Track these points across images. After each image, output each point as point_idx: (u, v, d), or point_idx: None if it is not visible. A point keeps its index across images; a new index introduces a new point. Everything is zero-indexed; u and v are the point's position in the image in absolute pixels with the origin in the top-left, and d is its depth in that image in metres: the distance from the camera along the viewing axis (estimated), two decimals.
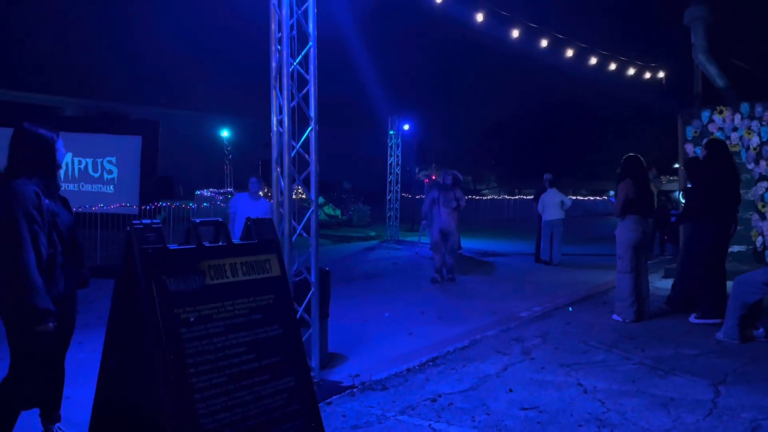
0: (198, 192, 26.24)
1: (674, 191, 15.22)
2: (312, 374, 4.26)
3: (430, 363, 4.99)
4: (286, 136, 4.42)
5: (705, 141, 7.12)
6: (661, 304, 7.22)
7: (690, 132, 9.66)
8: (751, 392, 4.23)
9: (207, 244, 2.78)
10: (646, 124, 34.11)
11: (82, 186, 17.41)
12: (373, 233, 19.45)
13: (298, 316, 4.34)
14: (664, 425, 3.67)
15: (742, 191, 8.70)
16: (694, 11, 10.17)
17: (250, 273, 2.84)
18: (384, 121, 18.87)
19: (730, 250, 8.84)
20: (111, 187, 17.50)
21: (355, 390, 4.31)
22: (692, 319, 6.46)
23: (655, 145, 29.47)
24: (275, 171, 4.52)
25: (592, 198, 46.37)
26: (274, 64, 4.47)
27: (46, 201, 3.07)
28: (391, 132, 18.33)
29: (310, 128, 4.58)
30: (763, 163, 9.04)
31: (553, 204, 11.97)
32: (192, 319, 2.54)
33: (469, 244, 15.78)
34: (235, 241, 2.90)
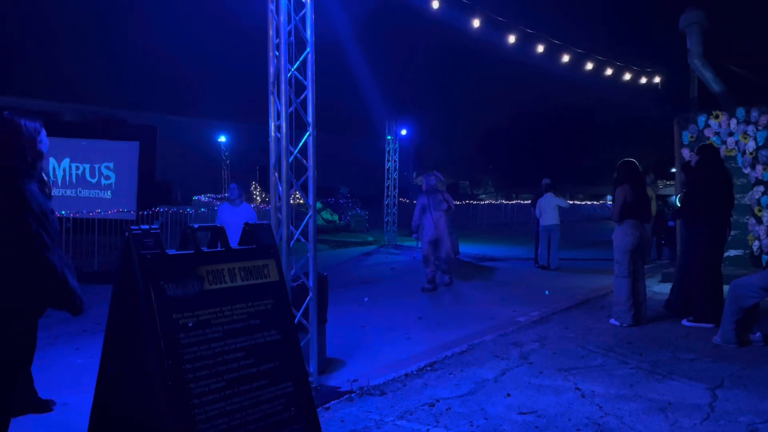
0: (196, 197, 26.23)
1: (671, 196, 15.26)
2: (310, 379, 4.26)
3: (428, 368, 4.99)
4: (284, 142, 4.43)
5: (697, 147, 7.16)
6: (659, 308, 7.23)
7: (686, 137, 9.70)
8: (749, 396, 4.24)
9: (205, 249, 2.79)
10: (642, 128, 34.22)
11: (80, 191, 17.39)
12: (371, 238, 19.46)
13: (296, 321, 4.34)
14: (662, 429, 3.68)
15: (738, 195, 8.76)
16: (690, 16, 10.23)
17: (248, 278, 2.84)
18: (381, 127, 18.90)
19: (726, 254, 8.89)
20: (108, 192, 17.48)
21: (353, 395, 4.31)
22: (685, 322, 6.49)
23: (651, 150, 29.57)
24: (273, 176, 4.54)
25: (589, 203, 46.46)
26: (272, 70, 4.49)
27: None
28: (389, 137, 18.35)
29: (308, 134, 4.59)
30: (759, 167, 9.08)
31: (550, 209, 12.00)
32: (190, 325, 2.55)
33: (467, 248, 15.79)
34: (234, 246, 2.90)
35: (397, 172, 18.37)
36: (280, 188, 4.50)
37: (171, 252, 2.65)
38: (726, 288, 5.91)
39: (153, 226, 2.65)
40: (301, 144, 4.59)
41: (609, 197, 46.68)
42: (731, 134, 9.35)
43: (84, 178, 17.46)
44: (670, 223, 12.39)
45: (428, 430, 3.70)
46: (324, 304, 5.00)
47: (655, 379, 4.65)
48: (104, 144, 17.54)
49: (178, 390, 2.42)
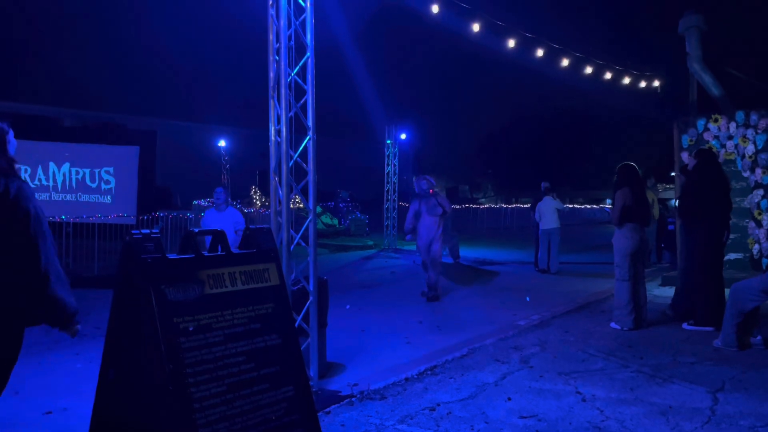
0: (195, 202, 26.23)
1: (671, 199, 15.26)
2: (311, 383, 4.26)
3: (429, 372, 4.98)
4: (284, 146, 4.44)
5: (694, 151, 7.18)
6: (659, 311, 7.22)
7: (686, 140, 9.71)
8: (749, 399, 4.24)
9: (206, 253, 2.79)
10: (642, 132, 34.26)
11: (80, 196, 17.39)
12: (370, 242, 19.46)
13: (296, 325, 4.34)
14: None
15: (737, 199, 8.78)
16: (689, 20, 10.26)
17: (248, 282, 2.84)
18: (381, 131, 18.92)
19: (727, 257, 8.89)
20: (108, 197, 17.49)
21: (353, 399, 4.31)
22: (686, 325, 6.48)
23: (651, 154, 29.59)
24: (273, 180, 4.54)
25: (589, 206, 46.47)
26: (272, 75, 4.50)
27: None
28: (389, 141, 18.37)
29: (308, 138, 4.60)
30: (758, 171, 9.09)
31: (549, 212, 12.01)
32: (191, 329, 2.54)
33: (467, 252, 15.79)
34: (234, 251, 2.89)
35: (396, 177, 18.38)
36: (280, 192, 4.50)
37: (171, 256, 2.65)
38: (726, 291, 5.90)
39: (153, 231, 2.65)
40: (301, 148, 4.60)
41: (609, 201, 46.71)
42: (730, 138, 9.36)
43: (84, 182, 17.48)
44: (670, 227, 12.40)
45: None
46: (324, 308, 4.99)
47: (656, 383, 4.64)
48: (104, 149, 17.57)
49: (178, 394, 2.41)
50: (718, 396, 4.32)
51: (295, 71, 4.54)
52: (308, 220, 4.60)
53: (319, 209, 21.70)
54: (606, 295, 8.72)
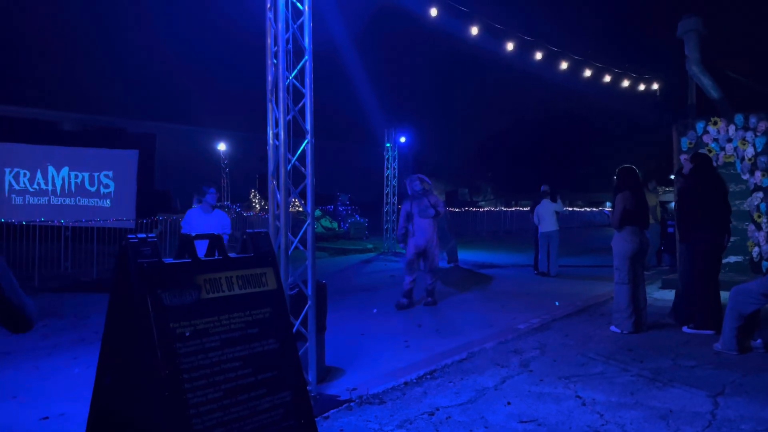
0: (195, 206, 26.19)
1: (670, 202, 15.26)
2: (309, 388, 4.24)
3: (428, 376, 4.96)
4: (282, 150, 4.43)
5: (689, 156, 7.17)
6: (659, 315, 7.21)
7: (685, 143, 9.71)
8: (750, 403, 4.22)
9: (203, 257, 2.77)
10: (641, 135, 34.29)
11: (79, 200, 17.37)
12: (370, 245, 19.44)
13: (294, 329, 4.32)
14: None
15: (737, 202, 8.77)
16: (688, 23, 10.26)
17: (246, 287, 2.82)
18: (380, 134, 18.94)
19: (726, 260, 8.88)
20: (107, 201, 17.48)
21: (352, 404, 4.29)
22: (686, 329, 6.47)
23: (650, 157, 29.60)
24: (271, 184, 4.53)
25: (588, 209, 46.48)
26: (270, 78, 4.49)
27: None
28: (388, 144, 18.38)
29: (306, 141, 4.59)
30: (758, 173, 9.08)
31: (548, 215, 12.00)
32: (187, 334, 2.53)
33: (467, 256, 15.78)
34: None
35: (396, 180, 18.38)
36: (278, 196, 4.49)
37: (168, 261, 2.64)
38: (726, 295, 5.89)
39: (150, 235, 2.63)
40: (299, 152, 4.58)
41: (608, 204, 46.72)
42: (730, 140, 9.36)
43: (83, 186, 17.46)
44: (670, 230, 12.39)
45: None
46: (323, 312, 4.97)
47: (656, 387, 4.62)
48: (103, 152, 17.56)
49: (174, 400, 2.39)
50: (718, 400, 4.30)
51: (293, 75, 4.53)
52: (307, 223, 4.58)
53: (318, 212, 21.74)
54: (605, 298, 8.70)
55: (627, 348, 5.85)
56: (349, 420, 4.00)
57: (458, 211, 30.25)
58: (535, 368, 5.18)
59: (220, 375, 2.57)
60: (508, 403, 4.28)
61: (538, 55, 12.87)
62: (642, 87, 14.57)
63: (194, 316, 2.58)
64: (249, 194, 35.65)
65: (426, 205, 8.41)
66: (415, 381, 4.83)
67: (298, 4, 4.55)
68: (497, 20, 11.85)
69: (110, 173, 17.48)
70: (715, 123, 9.47)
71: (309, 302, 4.53)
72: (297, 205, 4.83)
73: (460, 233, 25.00)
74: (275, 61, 4.46)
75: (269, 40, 4.48)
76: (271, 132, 4.51)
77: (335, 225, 23.10)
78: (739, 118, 9.27)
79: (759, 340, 5.64)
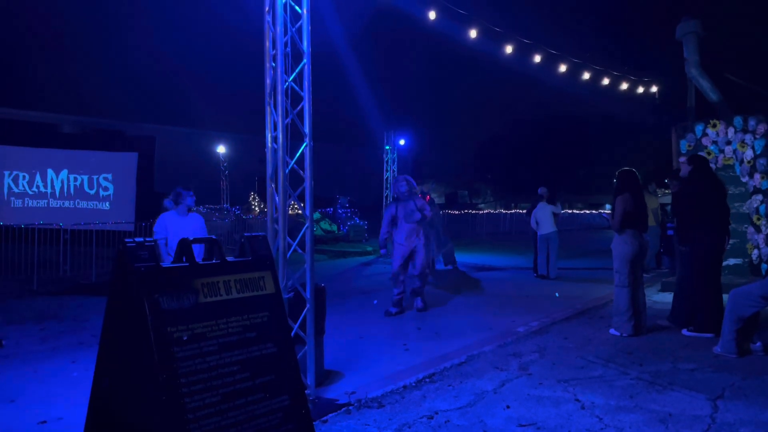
0: (195, 208, 26.20)
1: (669, 205, 15.27)
2: (307, 392, 4.23)
3: (427, 379, 4.95)
4: (280, 153, 4.42)
5: (687, 157, 7.17)
6: (659, 318, 7.20)
7: (684, 145, 9.72)
8: (749, 407, 4.21)
9: (200, 261, 2.76)
10: (640, 137, 34.30)
11: (78, 203, 17.38)
12: (369, 248, 19.42)
13: (293, 332, 4.31)
14: None
15: (736, 204, 8.78)
16: (686, 26, 10.27)
17: (243, 290, 2.82)
18: (380, 137, 18.96)
19: (726, 263, 8.87)
20: (107, 203, 17.48)
21: (351, 407, 4.28)
22: (685, 332, 6.46)
23: (649, 159, 29.62)
24: (270, 187, 4.52)
25: (588, 212, 46.49)
26: (268, 81, 4.49)
27: None
28: (387, 147, 18.39)
29: (304, 144, 4.58)
30: (757, 176, 9.08)
31: (545, 218, 12.00)
32: (185, 338, 2.52)
33: (466, 258, 15.77)
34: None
35: None
36: (276, 199, 4.48)
37: (166, 264, 2.63)
38: (725, 297, 5.88)
39: (147, 239, 2.63)
40: (297, 155, 4.58)
41: (608, 206, 46.72)
42: (729, 143, 9.36)
43: (82, 189, 17.47)
44: (670, 233, 12.39)
45: None
46: (321, 316, 4.97)
47: (655, 390, 4.61)
48: (103, 155, 17.57)
49: (172, 404, 2.39)
50: (717, 403, 4.29)
51: (291, 78, 4.53)
52: (305, 227, 4.57)
53: (317, 215, 21.73)
54: (605, 301, 8.69)
55: (626, 351, 5.84)
56: (347, 424, 3.99)
57: (458, 214, 30.25)
58: (535, 371, 5.17)
59: (217, 379, 2.57)
60: (507, 407, 4.27)
61: (537, 58, 12.89)
62: (641, 89, 14.58)
63: (192, 320, 2.57)
64: (248, 197, 35.66)
65: (412, 208, 8.01)
66: (414, 384, 4.82)
67: (297, 8, 4.55)
68: (496, 23, 11.86)
69: (109, 176, 17.49)
70: (714, 125, 9.47)
71: (308, 305, 4.52)
72: (296, 208, 4.82)
73: (459, 235, 25.02)
74: (273, 64, 4.46)
75: (268, 44, 4.48)
76: (269, 135, 4.51)
77: (334, 228, 23.10)
78: (738, 120, 9.27)
79: (758, 343, 5.63)
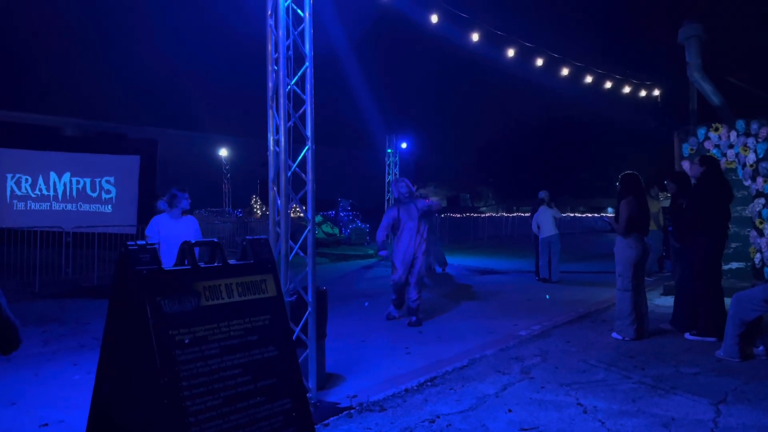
0: (196, 211, 26.25)
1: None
2: (309, 395, 4.22)
3: (429, 383, 4.94)
4: (282, 156, 4.42)
5: (697, 158, 7.14)
6: (661, 321, 7.18)
7: (686, 149, 9.70)
8: (752, 411, 4.19)
9: (202, 264, 2.76)
10: (642, 141, 34.30)
11: (80, 206, 17.39)
12: (371, 251, 19.42)
13: (294, 336, 4.31)
14: None
15: (738, 208, 8.76)
16: (688, 30, 10.27)
17: (245, 294, 2.82)
18: (382, 140, 18.95)
19: (728, 267, 8.86)
20: (109, 206, 17.50)
21: (352, 411, 4.27)
22: (688, 336, 6.44)
23: (651, 163, 29.60)
24: (272, 190, 4.52)
25: (590, 215, 46.46)
26: (270, 85, 4.49)
27: None
28: (389, 150, 18.39)
29: (306, 147, 4.59)
30: (759, 179, 9.06)
31: (547, 221, 12.02)
32: (186, 341, 2.52)
33: (467, 261, 15.76)
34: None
35: None
36: (278, 202, 4.48)
37: (167, 267, 2.63)
38: (728, 301, 5.87)
39: (149, 242, 2.63)
40: (299, 158, 4.58)
41: (610, 210, 46.67)
42: (731, 147, 9.34)
43: (85, 192, 17.49)
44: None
45: None
46: (323, 319, 4.96)
47: (657, 394, 4.60)
48: (105, 158, 17.59)
49: (173, 408, 2.38)
50: (720, 408, 4.27)
51: (293, 81, 4.53)
52: (307, 230, 4.57)
53: (319, 218, 21.75)
54: (607, 304, 8.68)
55: (629, 355, 5.82)
56: (349, 427, 3.98)
57: (459, 217, 30.22)
58: (537, 375, 5.15)
59: (219, 382, 2.56)
60: (509, 411, 4.26)
61: (539, 62, 12.89)
62: (643, 93, 14.57)
63: (193, 324, 2.57)
64: (250, 200, 35.69)
65: (414, 211, 7.78)
66: (415, 388, 4.81)
67: (299, 11, 4.56)
68: (498, 27, 11.87)
69: (112, 179, 17.50)
70: (717, 129, 9.46)
71: (309, 309, 4.51)
72: (298, 211, 4.82)
73: (461, 239, 24.99)
74: (276, 67, 4.46)
75: (270, 47, 4.49)
76: (271, 138, 4.51)
77: (336, 231, 23.12)
78: (740, 124, 9.26)
79: (761, 347, 5.61)
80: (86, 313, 8.48)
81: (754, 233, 9.09)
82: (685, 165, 9.54)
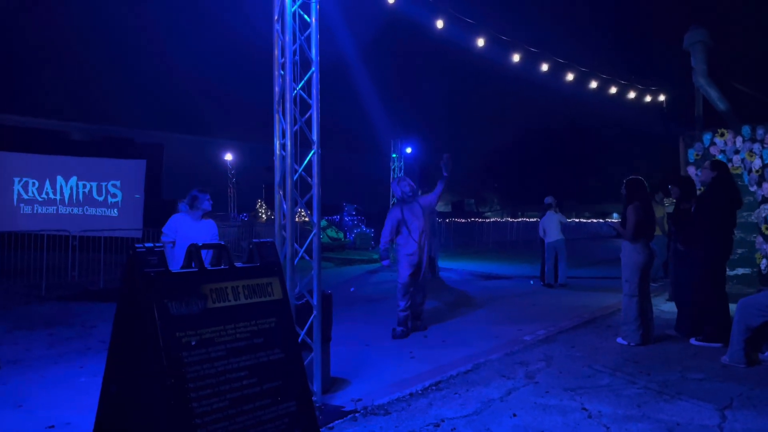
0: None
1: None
2: (314, 399, 4.23)
3: (433, 387, 4.95)
4: (288, 160, 4.45)
5: (708, 163, 7.13)
6: (666, 327, 7.16)
7: (692, 155, 9.69)
8: (758, 417, 4.18)
9: (209, 267, 2.78)
10: (647, 146, 34.24)
11: (87, 210, 17.48)
12: (376, 256, 19.43)
13: (300, 339, 4.32)
14: None
15: (744, 213, 8.74)
16: (694, 35, 10.26)
17: (251, 296, 2.84)
18: (387, 145, 18.98)
19: (734, 272, 8.83)
20: (115, 210, 17.58)
21: (357, 415, 4.28)
22: (693, 341, 6.43)
23: (656, 168, 29.53)
24: (278, 194, 4.55)
25: (595, 220, 46.35)
26: (277, 89, 4.52)
27: None
28: (394, 155, 18.42)
29: (312, 152, 4.61)
30: (765, 185, 9.04)
31: (553, 226, 12.03)
32: (193, 343, 2.54)
33: (472, 267, 15.75)
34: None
35: None
36: (284, 206, 4.50)
37: (175, 270, 2.65)
38: (734, 307, 5.85)
39: (157, 244, 2.65)
40: (305, 162, 4.61)
41: (615, 215, 46.56)
42: (737, 152, 9.33)
43: (91, 196, 17.58)
44: None
45: None
46: (328, 323, 4.97)
47: (663, 400, 4.59)
48: (111, 162, 17.70)
49: (180, 409, 2.40)
50: (726, 413, 4.26)
51: (300, 86, 4.56)
52: (313, 233, 4.59)
53: (324, 223, 21.78)
54: (612, 310, 8.66)
55: (634, 360, 5.81)
56: (354, 431, 3.98)
57: (464, 222, 30.20)
58: (541, 380, 5.15)
59: (225, 384, 2.58)
60: (514, 415, 4.26)
61: (545, 67, 12.90)
62: (648, 98, 14.55)
63: (200, 326, 2.59)
64: (256, 204, 35.77)
65: (419, 210, 7.35)
66: (420, 392, 4.81)
67: (306, 16, 4.59)
68: (503, 32, 11.89)
69: (118, 183, 17.60)
70: (722, 134, 9.45)
71: (314, 312, 4.53)
72: (303, 215, 4.84)
73: (466, 244, 24.98)
74: (282, 72, 4.49)
75: (276, 52, 4.52)
76: (277, 143, 4.54)
77: (341, 235, 23.14)
78: (746, 129, 9.25)
79: (767, 353, 5.59)
80: (92, 316, 8.51)
81: (760, 239, 9.06)
82: (691, 171, 9.53)
